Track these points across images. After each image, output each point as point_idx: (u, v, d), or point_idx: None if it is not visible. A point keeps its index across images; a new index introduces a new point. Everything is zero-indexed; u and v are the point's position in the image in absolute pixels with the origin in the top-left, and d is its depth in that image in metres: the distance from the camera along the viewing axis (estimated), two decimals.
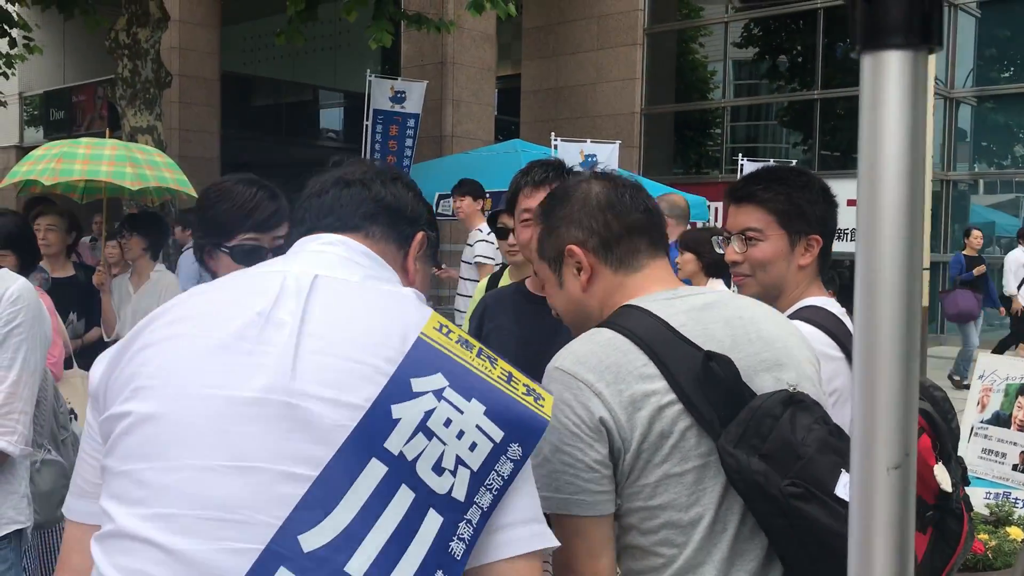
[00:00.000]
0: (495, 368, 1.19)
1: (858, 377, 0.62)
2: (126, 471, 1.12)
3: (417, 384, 1.11)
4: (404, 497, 1.07)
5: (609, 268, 1.54)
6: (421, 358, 1.13)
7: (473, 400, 1.13)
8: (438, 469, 1.09)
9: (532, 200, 2.48)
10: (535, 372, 2.47)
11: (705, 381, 1.36)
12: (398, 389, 1.10)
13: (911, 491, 0.62)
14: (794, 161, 12.72)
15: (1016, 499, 4.02)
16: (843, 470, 1.33)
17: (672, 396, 1.36)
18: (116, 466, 1.14)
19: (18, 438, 2.28)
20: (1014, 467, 4.40)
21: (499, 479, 1.12)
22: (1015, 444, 4.44)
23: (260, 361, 1.11)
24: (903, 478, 0.61)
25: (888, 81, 0.61)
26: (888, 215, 0.61)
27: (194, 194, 5.92)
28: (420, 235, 1.42)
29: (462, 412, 1.12)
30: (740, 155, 11.36)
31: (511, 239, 3.63)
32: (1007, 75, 14.35)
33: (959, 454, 1.82)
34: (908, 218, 0.60)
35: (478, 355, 1.20)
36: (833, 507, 1.30)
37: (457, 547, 1.09)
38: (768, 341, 1.49)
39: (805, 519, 1.31)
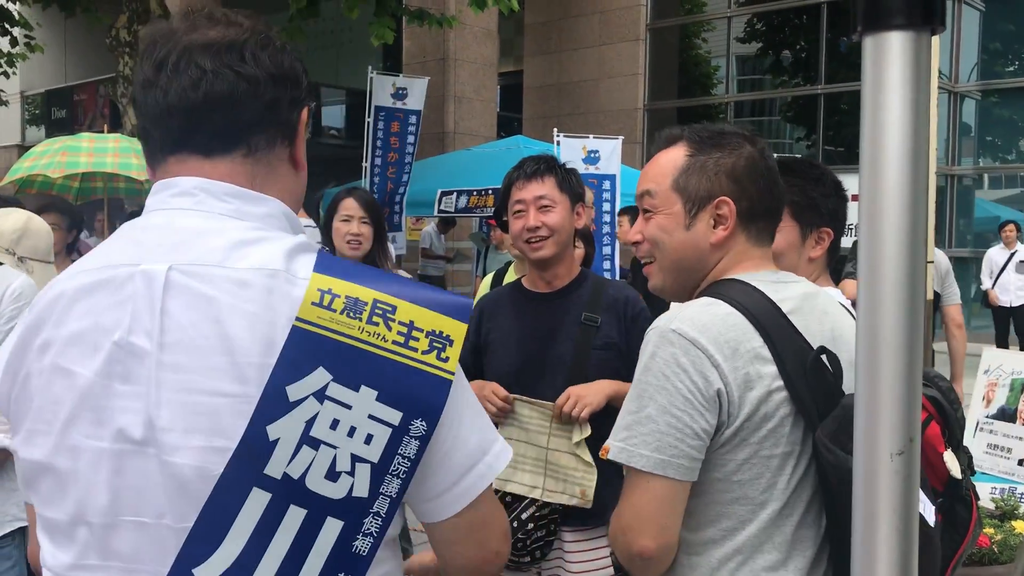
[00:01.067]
0: (391, 329, 1.06)
1: (861, 364, 0.61)
2: (45, 517, 1.12)
3: (293, 392, 1.02)
4: (294, 517, 1.03)
5: (745, 236, 1.53)
6: (296, 356, 1.02)
7: (362, 388, 1.04)
8: (332, 476, 1.03)
9: (525, 192, 2.52)
10: (537, 369, 2.50)
11: (811, 373, 1.39)
12: (272, 406, 1.01)
13: (915, 477, 0.61)
14: (798, 156, 12.68)
15: (1022, 494, 4.01)
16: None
17: (780, 382, 1.39)
18: (39, 508, 1.13)
19: None
20: (1020, 462, 4.38)
21: (406, 461, 1.05)
22: (1021, 439, 4.43)
23: (129, 405, 1.04)
24: (907, 464, 0.60)
25: (890, 63, 0.60)
26: (891, 199, 0.60)
27: None
28: (304, 113, 1.18)
29: (350, 407, 1.03)
30: None
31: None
32: (1012, 69, 14.30)
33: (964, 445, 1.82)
34: (911, 201, 0.60)
35: (370, 319, 1.06)
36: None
37: (363, 543, 1.06)
38: (845, 339, 1.52)
39: None
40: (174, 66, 1.10)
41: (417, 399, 1.05)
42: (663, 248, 1.56)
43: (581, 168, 8.50)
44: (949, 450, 1.69)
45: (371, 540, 1.05)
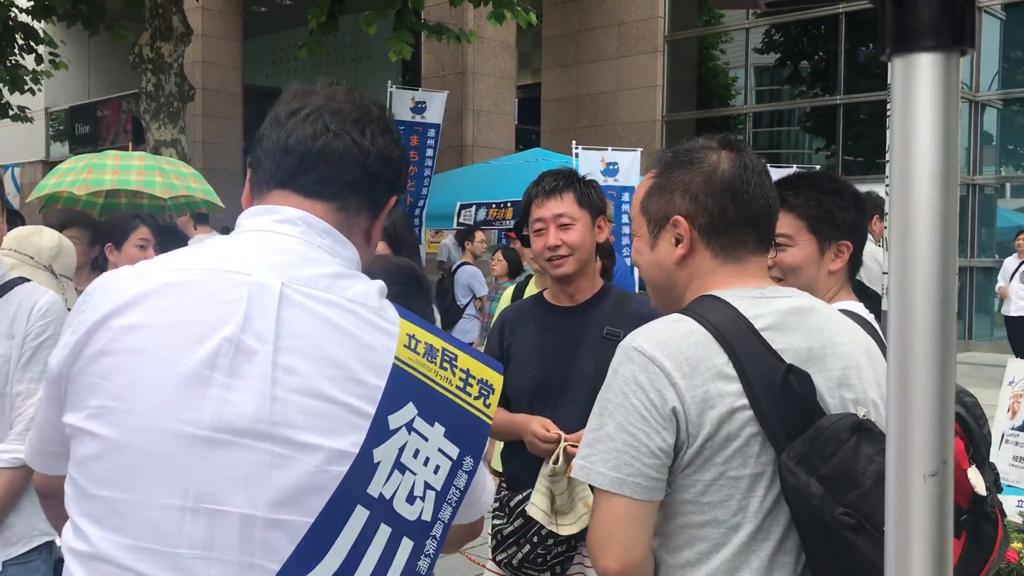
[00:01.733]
0: (455, 375, 1.21)
1: (893, 384, 0.61)
2: (101, 497, 1.11)
3: (393, 421, 1.13)
4: (383, 535, 1.13)
5: (709, 252, 1.49)
6: (396, 391, 1.14)
7: (436, 424, 1.17)
8: (411, 499, 1.15)
9: (544, 209, 2.49)
10: (559, 384, 2.49)
11: (780, 393, 1.35)
12: (379, 431, 1.12)
13: (949, 499, 0.61)
14: (817, 167, 12.63)
15: None
16: None
17: (745, 401, 1.35)
18: (89, 487, 1.13)
19: None
20: None
21: (457, 492, 1.19)
22: None
23: (237, 399, 1.09)
24: (940, 485, 0.60)
25: (920, 84, 0.60)
26: (922, 220, 0.60)
27: (220, 204, 5.99)
28: (393, 199, 1.31)
29: (427, 439, 1.16)
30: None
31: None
32: None
33: (990, 461, 1.80)
34: (942, 221, 0.59)
35: (441, 364, 1.20)
36: (880, 543, 1.29)
37: (423, 564, 1.17)
38: (843, 358, 1.47)
39: (852, 549, 1.30)
40: (304, 117, 1.24)
41: (470, 438, 1.20)
42: (641, 269, 1.59)
43: (600, 180, 8.49)
44: (974, 466, 1.67)
45: (428, 561, 1.17)
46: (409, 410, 1.15)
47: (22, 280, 2.42)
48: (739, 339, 1.38)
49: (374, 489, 1.11)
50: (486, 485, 1.29)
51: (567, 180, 2.52)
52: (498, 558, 2.44)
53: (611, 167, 8.26)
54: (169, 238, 5.56)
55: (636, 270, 7.85)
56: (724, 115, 15.68)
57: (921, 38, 0.60)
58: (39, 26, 11.54)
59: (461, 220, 9.18)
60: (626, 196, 8.12)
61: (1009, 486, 4.26)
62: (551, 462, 2.32)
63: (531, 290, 3.92)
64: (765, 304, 1.45)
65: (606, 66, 14.96)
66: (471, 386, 1.22)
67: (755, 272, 1.51)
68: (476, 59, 13.46)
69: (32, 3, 10.25)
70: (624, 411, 1.36)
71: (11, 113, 12.48)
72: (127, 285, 1.16)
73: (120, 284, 1.17)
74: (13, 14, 10.76)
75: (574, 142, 8.31)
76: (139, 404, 1.10)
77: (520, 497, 2.43)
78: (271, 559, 1.08)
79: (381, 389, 1.12)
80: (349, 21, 10.42)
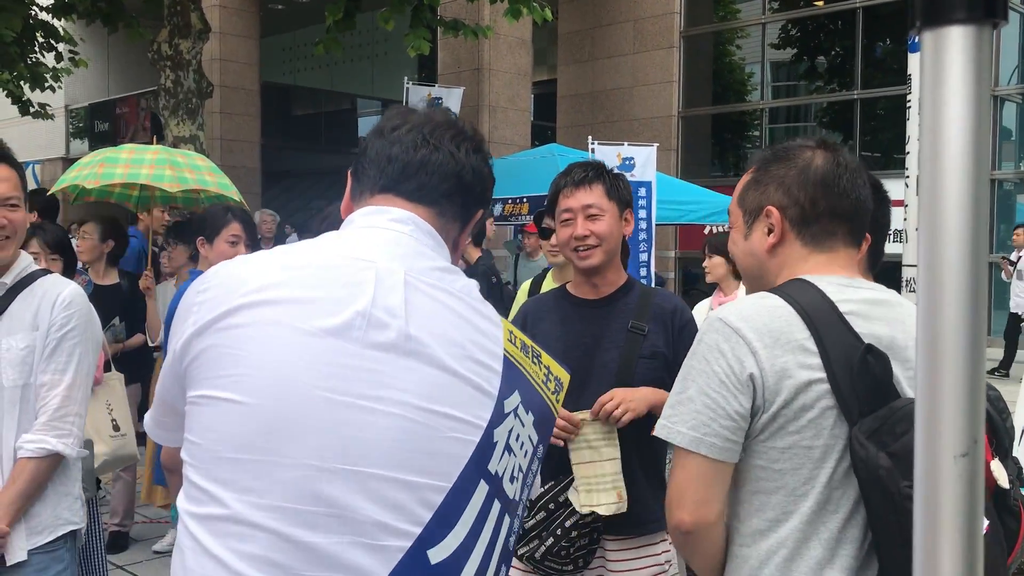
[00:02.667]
0: (541, 369, 1.33)
1: (922, 362, 0.60)
2: (236, 459, 1.15)
3: (507, 405, 1.24)
4: (496, 510, 1.22)
5: (799, 241, 1.58)
6: (508, 378, 1.25)
7: (529, 412, 1.28)
8: (512, 479, 1.25)
9: (572, 200, 2.48)
10: (583, 377, 2.44)
11: (858, 371, 1.42)
12: (498, 413, 1.22)
13: (979, 480, 0.60)
14: None
15: None
16: None
17: (823, 375, 1.43)
18: (222, 451, 1.16)
19: (73, 440, 2.33)
20: None
21: (531, 475, 1.31)
22: None
23: (371, 367, 1.15)
24: (971, 466, 0.59)
25: (951, 59, 0.59)
26: (952, 196, 0.59)
27: (237, 198, 5.99)
28: (480, 213, 1.42)
29: (524, 425, 1.27)
30: None
31: (553, 240, 3.64)
32: None
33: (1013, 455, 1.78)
34: (973, 198, 0.59)
35: (533, 360, 1.32)
36: None
37: (511, 540, 1.26)
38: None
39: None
40: (406, 131, 1.36)
41: (547, 428, 1.33)
42: (735, 258, 1.70)
43: None
44: (996, 459, 1.66)
45: (514, 538, 1.28)
46: (516, 398, 1.26)
47: (44, 272, 2.45)
48: (822, 318, 1.46)
49: (493, 466, 1.21)
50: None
51: (596, 171, 2.52)
52: (520, 552, 2.42)
53: (627, 162, 8.23)
54: (190, 231, 5.59)
55: (651, 266, 7.80)
56: (740, 111, 15.61)
57: (952, 10, 0.59)
58: (59, 24, 11.62)
59: None
60: (642, 191, 8.09)
61: None
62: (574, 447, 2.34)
63: (548, 284, 3.91)
64: (852, 292, 1.53)
65: (622, 62, 14.91)
66: (551, 381, 1.34)
67: (844, 263, 1.59)
68: (492, 55, 13.45)
69: (52, 1, 10.32)
70: (705, 376, 1.46)
71: (32, 110, 12.56)
72: (257, 268, 1.24)
73: (250, 267, 1.24)
74: (34, 12, 10.84)
75: (590, 137, 8.28)
76: (276, 370, 1.15)
77: (542, 490, 2.43)
78: (403, 520, 1.14)
79: (499, 374, 1.24)
80: (366, 18, 10.43)
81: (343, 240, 1.30)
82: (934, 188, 0.60)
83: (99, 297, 4.71)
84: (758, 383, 1.44)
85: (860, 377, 1.42)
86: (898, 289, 4.42)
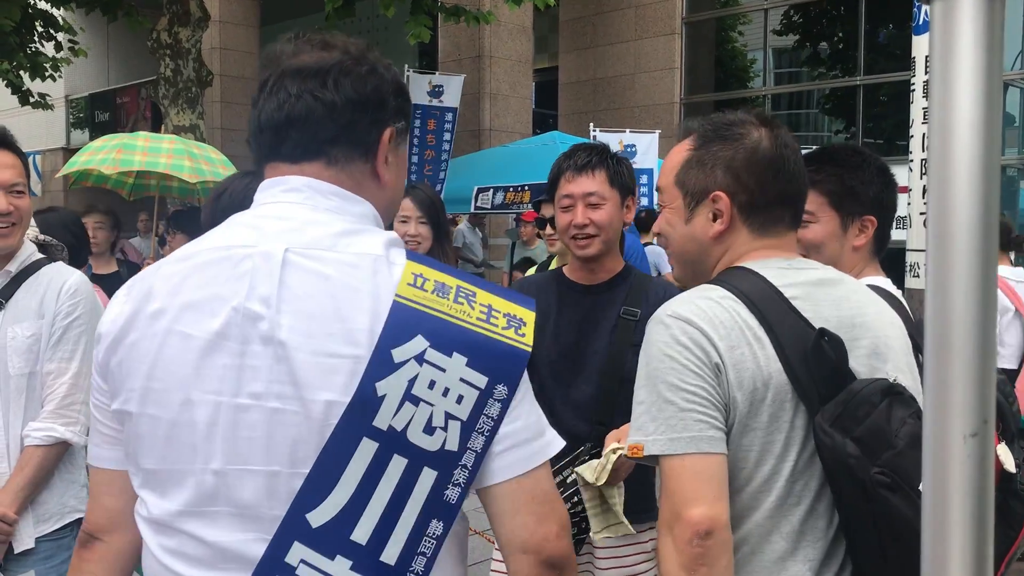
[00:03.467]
0: (474, 308, 1.22)
1: (931, 341, 0.59)
2: (154, 470, 1.23)
3: (398, 354, 1.16)
4: (397, 465, 1.17)
5: (747, 228, 1.51)
6: (398, 324, 1.17)
7: (454, 354, 1.18)
8: (429, 430, 1.17)
9: (574, 185, 2.43)
10: (571, 363, 2.43)
11: (813, 357, 1.37)
12: (380, 366, 1.15)
13: (990, 461, 0.59)
14: (844, 143, 12.49)
15: None
16: None
17: (779, 365, 1.37)
18: (144, 463, 1.24)
19: (80, 428, 2.33)
20: None
21: (489, 421, 1.19)
22: None
23: (248, 363, 1.17)
24: (982, 446, 0.58)
25: (962, 28, 0.57)
26: (963, 172, 0.57)
27: None
28: (386, 133, 1.30)
29: (444, 370, 1.17)
30: None
31: (550, 228, 3.62)
32: None
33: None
34: (985, 174, 0.57)
35: (455, 299, 1.22)
36: (916, 502, 1.30)
37: (452, 493, 1.19)
38: (870, 328, 1.48)
39: (888, 508, 1.31)
40: (270, 89, 1.28)
41: (501, 366, 1.20)
42: (670, 241, 1.58)
43: None
44: (1003, 443, 1.65)
45: (459, 490, 1.19)
46: (418, 343, 1.17)
47: (49, 260, 2.44)
48: (770, 306, 1.39)
49: (381, 421, 1.15)
50: (529, 419, 1.23)
51: (600, 156, 2.46)
52: None
53: (629, 149, 8.21)
54: (196, 221, 5.58)
55: (650, 254, 7.80)
56: (743, 97, 15.54)
57: None
58: (59, 13, 11.58)
59: (479, 204, 9.16)
60: (644, 179, 8.07)
61: None
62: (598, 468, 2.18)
63: None
64: (794, 275, 1.46)
65: (623, 48, 14.84)
66: (496, 318, 1.22)
67: (786, 246, 1.52)
68: (493, 43, 13.39)
69: None
70: (675, 372, 1.36)
71: (32, 100, 12.52)
72: (152, 276, 1.27)
73: (148, 276, 1.28)
74: (33, 1, 10.80)
75: (591, 124, 8.25)
76: (168, 380, 1.20)
77: None
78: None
79: (379, 332, 1.15)
80: (366, 6, 10.39)
81: (234, 226, 1.28)
82: (943, 163, 0.58)
83: (99, 285, 4.69)
84: (723, 373, 1.36)
85: (816, 363, 1.36)
86: (902, 275, 4.40)
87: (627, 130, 8.54)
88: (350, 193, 1.28)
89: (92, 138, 17.10)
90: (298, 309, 1.17)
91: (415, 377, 1.16)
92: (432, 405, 1.17)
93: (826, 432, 1.33)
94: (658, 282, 2.59)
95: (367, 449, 1.15)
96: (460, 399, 1.18)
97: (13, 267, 2.35)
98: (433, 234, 3.20)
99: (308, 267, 1.19)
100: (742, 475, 1.40)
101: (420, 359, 1.16)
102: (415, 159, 9.72)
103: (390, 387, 1.15)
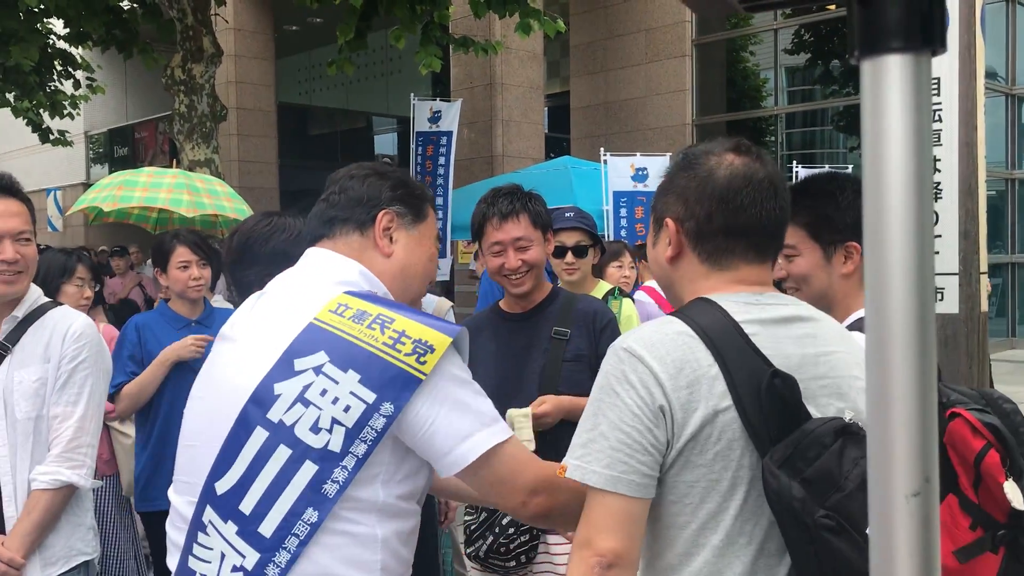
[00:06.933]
0: (384, 333, 1.42)
1: (871, 397, 0.58)
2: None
3: (299, 364, 1.42)
4: (282, 454, 1.40)
5: (696, 256, 1.51)
6: (307, 340, 1.43)
7: (349, 370, 1.40)
8: (315, 429, 1.39)
9: (501, 232, 2.67)
10: (513, 385, 2.65)
11: (766, 396, 1.35)
12: (281, 370, 1.42)
13: (934, 520, 0.58)
14: (851, 167, 12.44)
15: None
16: None
17: (729, 403, 1.36)
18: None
19: (86, 471, 2.34)
20: None
21: (372, 432, 1.39)
22: None
23: (211, 372, 1.59)
24: (924, 505, 0.57)
25: (890, 87, 0.57)
26: (896, 227, 0.57)
27: None
28: (380, 215, 1.64)
29: (338, 383, 1.39)
30: (794, 163, 11.15)
31: (569, 257, 3.74)
32: None
33: None
34: (917, 228, 0.57)
35: (369, 324, 1.43)
36: (862, 545, 1.28)
37: (330, 488, 1.39)
38: (834, 367, 1.46)
39: (832, 551, 1.29)
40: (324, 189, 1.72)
41: (390, 388, 1.40)
42: (650, 264, 1.65)
43: (629, 186, 8.44)
44: (1011, 479, 1.61)
45: (337, 487, 1.39)
46: (319, 357, 1.41)
47: (55, 304, 2.47)
48: (726, 342, 1.38)
49: (274, 415, 1.40)
50: (451, 427, 1.43)
51: (521, 202, 2.70)
52: (468, 551, 2.63)
53: (640, 172, 8.21)
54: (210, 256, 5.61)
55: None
56: (755, 117, 15.53)
57: (889, 39, 0.58)
58: (76, 52, 11.78)
59: None
60: None
61: None
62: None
63: None
64: (759, 310, 1.45)
65: (634, 72, 14.89)
66: (403, 344, 1.42)
67: (752, 279, 1.50)
68: (504, 70, 13.48)
69: (68, 30, 10.47)
70: (617, 410, 1.37)
71: (52, 138, 12.73)
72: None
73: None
74: (52, 41, 11.00)
75: (602, 148, 8.27)
76: (196, 390, 1.66)
77: None
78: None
79: (289, 341, 1.44)
80: (378, 37, 10.50)
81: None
82: (877, 220, 0.58)
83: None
84: (667, 415, 1.36)
85: (768, 402, 1.34)
86: None
87: (638, 154, 8.54)
88: (338, 255, 1.63)
89: (111, 172, 17.37)
90: (254, 326, 1.55)
91: (310, 384, 1.40)
92: (321, 409, 1.39)
93: (773, 474, 1.31)
94: (583, 298, 2.83)
95: (259, 436, 1.41)
96: (348, 408, 1.39)
97: (20, 312, 2.38)
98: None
99: (271, 299, 1.58)
100: (686, 511, 1.40)
101: (318, 370, 1.40)
102: None
103: (286, 388, 1.41)
